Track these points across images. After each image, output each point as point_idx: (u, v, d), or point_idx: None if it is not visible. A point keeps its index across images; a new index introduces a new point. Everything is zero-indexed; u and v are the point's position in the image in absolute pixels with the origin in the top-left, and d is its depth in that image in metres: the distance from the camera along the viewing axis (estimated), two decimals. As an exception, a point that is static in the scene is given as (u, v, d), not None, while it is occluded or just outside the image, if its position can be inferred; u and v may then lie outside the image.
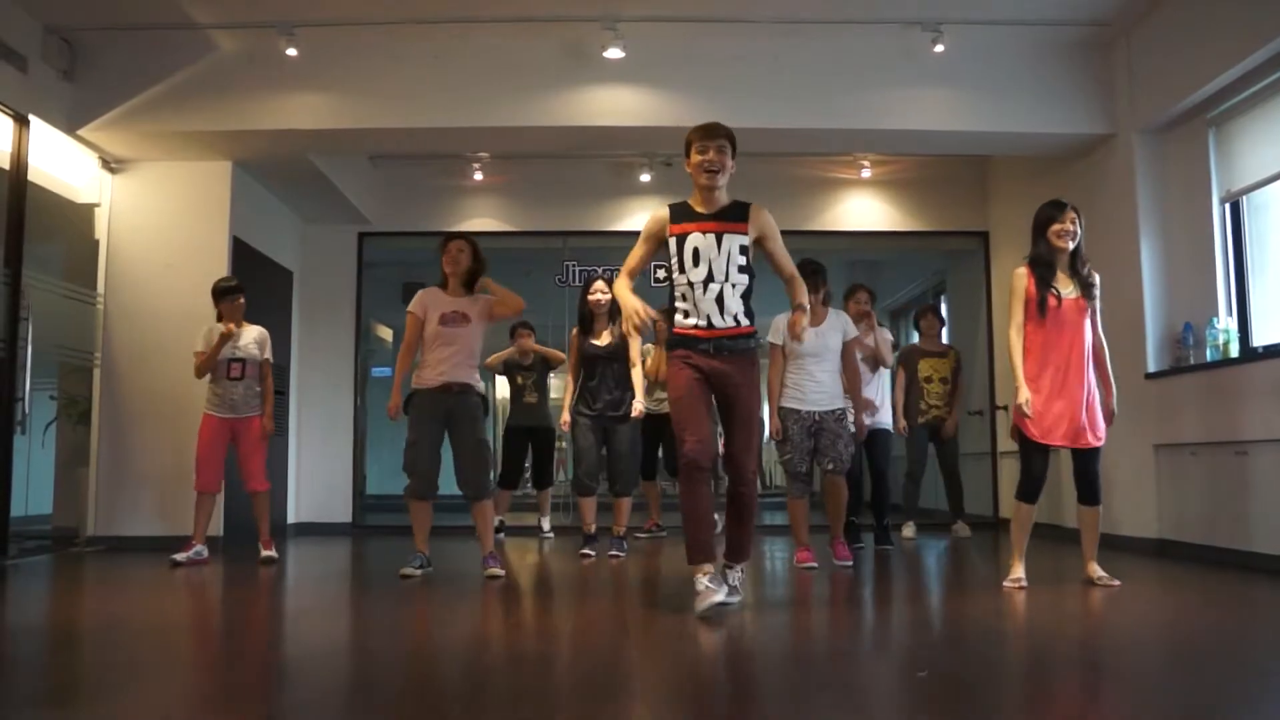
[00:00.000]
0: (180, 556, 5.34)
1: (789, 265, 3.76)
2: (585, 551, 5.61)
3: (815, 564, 4.98)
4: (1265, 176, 5.18)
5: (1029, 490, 4.25)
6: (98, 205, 6.52)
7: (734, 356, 3.61)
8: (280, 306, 7.58)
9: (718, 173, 3.62)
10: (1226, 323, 5.33)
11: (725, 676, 2.77)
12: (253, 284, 6.67)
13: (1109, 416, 4.22)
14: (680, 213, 3.71)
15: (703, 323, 3.60)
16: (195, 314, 6.47)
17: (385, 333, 9.83)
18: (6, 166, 5.52)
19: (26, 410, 5.57)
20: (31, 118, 5.59)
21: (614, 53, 5.93)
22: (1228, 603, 4.07)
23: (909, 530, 6.85)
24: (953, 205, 8.27)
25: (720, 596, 3.48)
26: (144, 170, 6.57)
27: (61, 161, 6.13)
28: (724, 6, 5.88)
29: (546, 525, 7.14)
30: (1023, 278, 4.22)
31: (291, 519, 7.59)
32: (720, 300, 3.59)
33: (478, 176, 8.00)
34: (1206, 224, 5.53)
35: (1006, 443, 7.76)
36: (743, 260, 3.62)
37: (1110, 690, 2.53)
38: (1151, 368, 5.73)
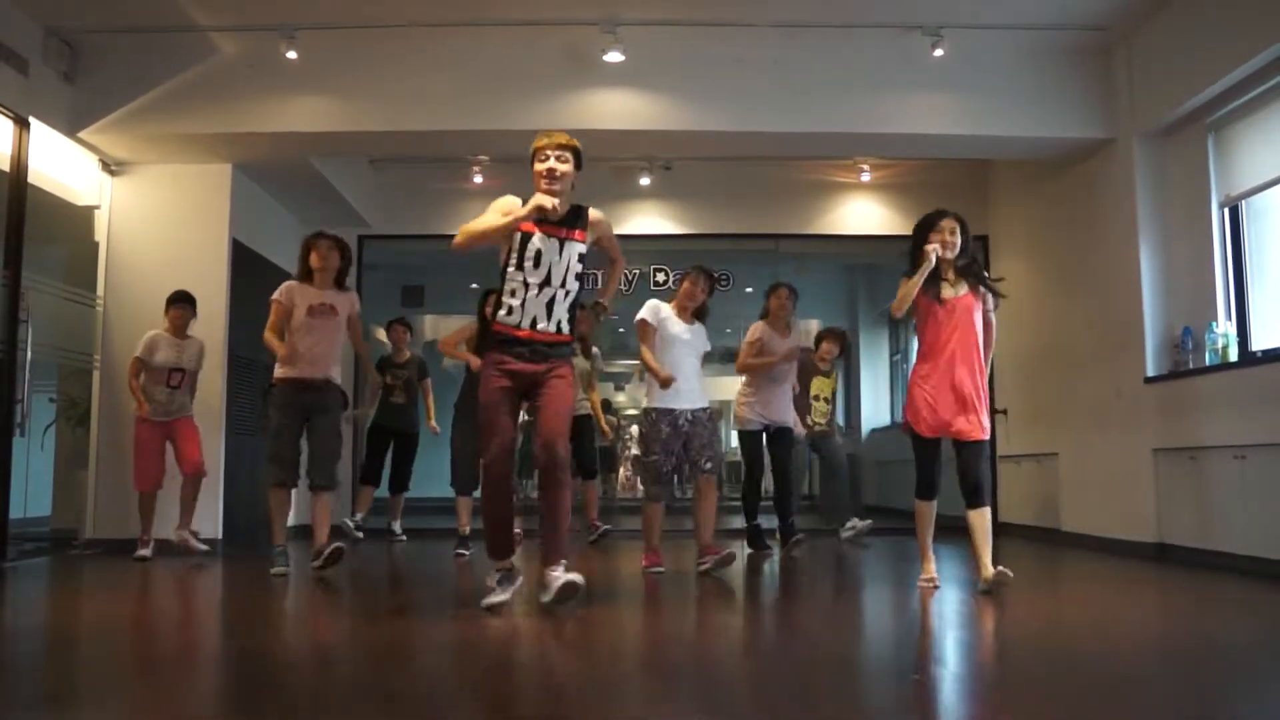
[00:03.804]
0: (145, 553, 5.64)
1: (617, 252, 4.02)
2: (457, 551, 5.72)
3: (663, 567, 4.87)
4: (1264, 181, 5.19)
5: (923, 487, 4.29)
6: (98, 208, 6.52)
7: (548, 360, 3.61)
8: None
9: (558, 179, 3.58)
10: (1225, 327, 5.33)
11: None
12: (252, 286, 6.68)
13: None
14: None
15: (526, 323, 3.58)
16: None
17: (384, 335, 9.80)
18: (7, 169, 5.51)
19: (26, 412, 5.57)
20: (32, 120, 5.59)
21: (614, 56, 5.94)
22: (1227, 607, 4.06)
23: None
24: (953, 209, 8.23)
25: (500, 597, 3.55)
26: (144, 173, 6.57)
27: (62, 164, 6.13)
28: (724, 10, 5.89)
29: (398, 528, 7.09)
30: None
31: (289, 522, 7.58)
32: (550, 305, 3.60)
33: (477, 180, 7.99)
34: (1205, 228, 5.54)
35: (1002, 448, 7.77)
36: (579, 268, 3.66)
37: (1108, 693, 2.53)
38: (1150, 372, 5.74)
